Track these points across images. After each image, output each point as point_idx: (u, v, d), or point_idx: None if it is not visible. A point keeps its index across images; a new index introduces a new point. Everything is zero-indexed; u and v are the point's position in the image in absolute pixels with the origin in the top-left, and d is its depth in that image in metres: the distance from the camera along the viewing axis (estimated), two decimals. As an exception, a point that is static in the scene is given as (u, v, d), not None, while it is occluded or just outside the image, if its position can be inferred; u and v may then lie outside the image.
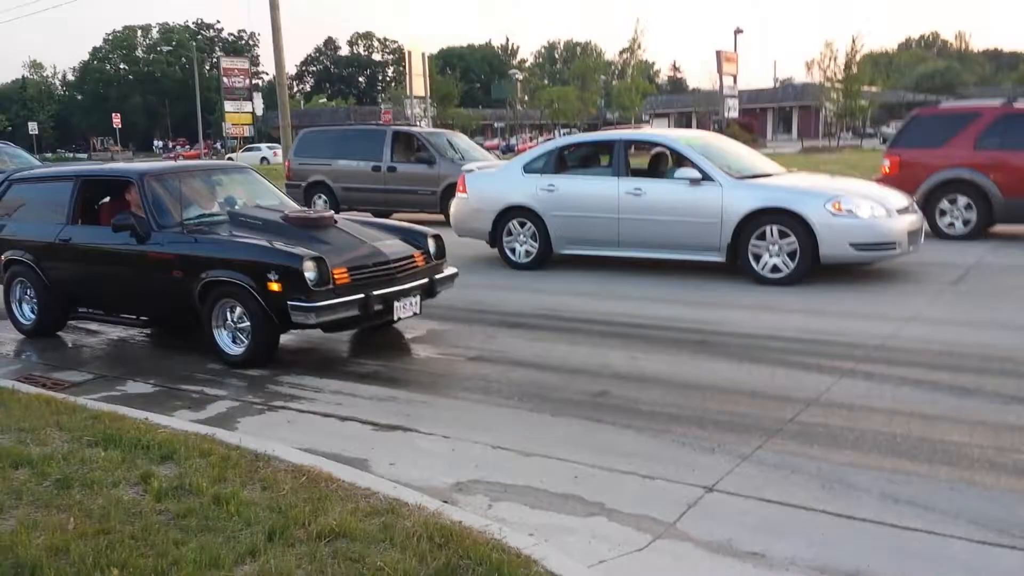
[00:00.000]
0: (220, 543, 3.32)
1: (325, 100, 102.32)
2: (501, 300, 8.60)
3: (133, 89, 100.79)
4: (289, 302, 6.00)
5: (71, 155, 79.82)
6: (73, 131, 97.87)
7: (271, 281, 6.04)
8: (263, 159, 53.33)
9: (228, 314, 6.44)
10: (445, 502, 3.86)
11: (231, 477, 3.98)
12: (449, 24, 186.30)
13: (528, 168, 10.42)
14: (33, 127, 72.19)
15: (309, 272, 5.98)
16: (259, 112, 54.87)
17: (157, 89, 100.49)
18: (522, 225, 10.30)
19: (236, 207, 7.19)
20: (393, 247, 6.79)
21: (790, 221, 8.53)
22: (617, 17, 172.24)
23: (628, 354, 6.48)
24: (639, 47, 54.48)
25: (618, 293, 8.84)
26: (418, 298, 6.75)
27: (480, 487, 4.18)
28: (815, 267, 8.61)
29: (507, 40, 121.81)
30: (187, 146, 77.73)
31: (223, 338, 6.50)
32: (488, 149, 25.75)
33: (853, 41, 44.36)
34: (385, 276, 6.50)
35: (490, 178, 10.88)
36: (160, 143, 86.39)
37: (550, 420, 5.14)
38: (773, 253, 8.66)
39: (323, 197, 16.16)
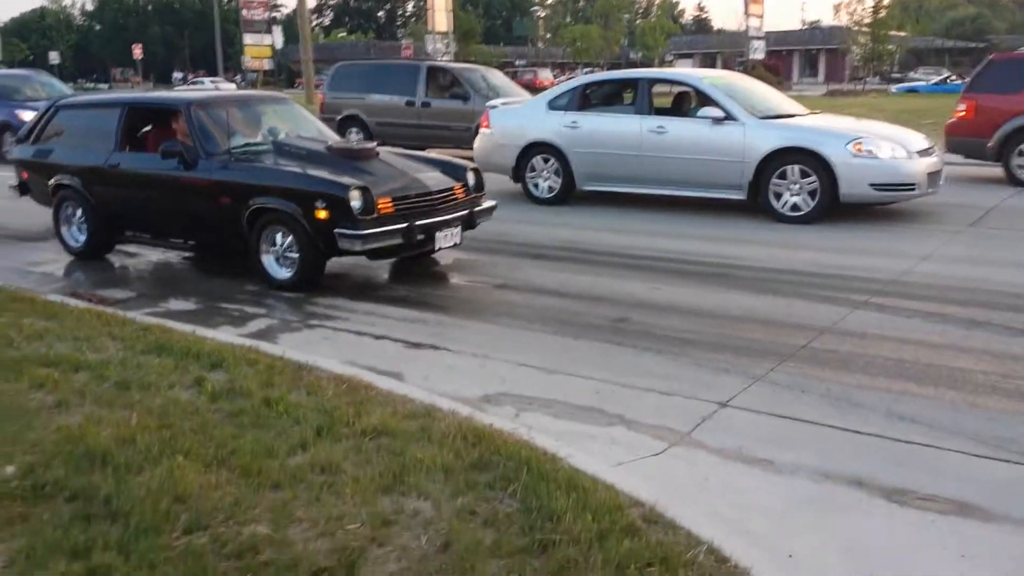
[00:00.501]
0: (272, 437, 3.62)
1: (344, 34, 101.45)
2: (524, 233, 8.82)
3: (152, 19, 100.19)
4: (336, 230, 6.20)
5: (92, 85, 79.80)
6: (93, 61, 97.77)
7: (318, 209, 6.24)
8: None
9: (275, 240, 6.63)
10: (476, 410, 4.15)
11: (278, 383, 4.27)
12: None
13: (552, 105, 10.55)
14: (55, 56, 71.96)
15: (355, 201, 6.16)
16: (278, 46, 54.44)
17: (176, 19, 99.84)
18: (545, 161, 10.46)
19: (280, 137, 7.38)
20: (434, 179, 6.95)
21: (811, 161, 8.67)
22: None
23: (648, 285, 6.71)
24: (666, -14, 53.56)
25: (639, 228, 9.05)
26: (459, 229, 6.94)
27: (507, 399, 4.46)
28: (835, 206, 8.77)
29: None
30: (206, 77, 77.49)
31: (270, 263, 6.70)
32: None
33: (882, -17, 43.51)
34: (427, 207, 6.68)
35: (514, 114, 11.02)
36: (179, 74, 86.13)
37: (572, 343, 5.40)
38: (794, 192, 8.82)
39: (357, 131, 16.22)
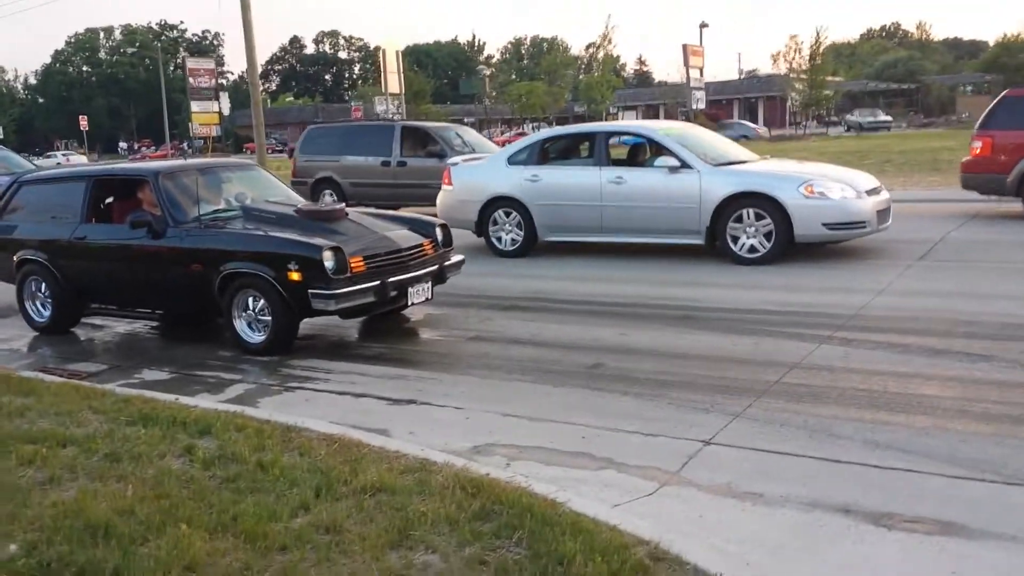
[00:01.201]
0: (272, 500, 3.65)
1: (292, 98, 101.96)
2: (492, 285, 8.95)
3: (96, 91, 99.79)
4: (310, 290, 6.27)
5: (34, 159, 78.77)
6: (36, 134, 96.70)
7: (291, 271, 6.32)
8: (58, 165, 52.47)
9: (248, 304, 6.67)
10: (469, 461, 4.21)
11: (269, 446, 4.30)
12: (415, 21, 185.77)
13: (512, 160, 10.79)
14: (-3, 131, 71.23)
15: (328, 261, 6.24)
16: (226, 112, 54.49)
17: (121, 91, 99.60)
18: (507, 215, 10.65)
19: (247, 202, 7.45)
20: (404, 236, 7.08)
21: (766, 204, 8.97)
22: (581, 12, 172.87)
23: (617, 330, 6.86)
24: (609, 43, 54.93)
25: (602, 276, 9.24)
26: (430, 284, 7.06)
27: (497, 449, 4.54)
28: (790, 247, 9.05)
29: (473, 37, 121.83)
30: (153, 147, 77.14)
31: (243, 327, 6.73)
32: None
33: (817, 34, 45.14)
34: (398, 264, 6.79)
35: (475, 170, 11.23)
36: (125, 145, 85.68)
37: (552, 390, 5.51)
38: (750, 235, 9.10)
39: (331, 193, 16.09)
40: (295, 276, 6.32)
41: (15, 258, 7.88)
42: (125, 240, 7.15)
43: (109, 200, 7.93)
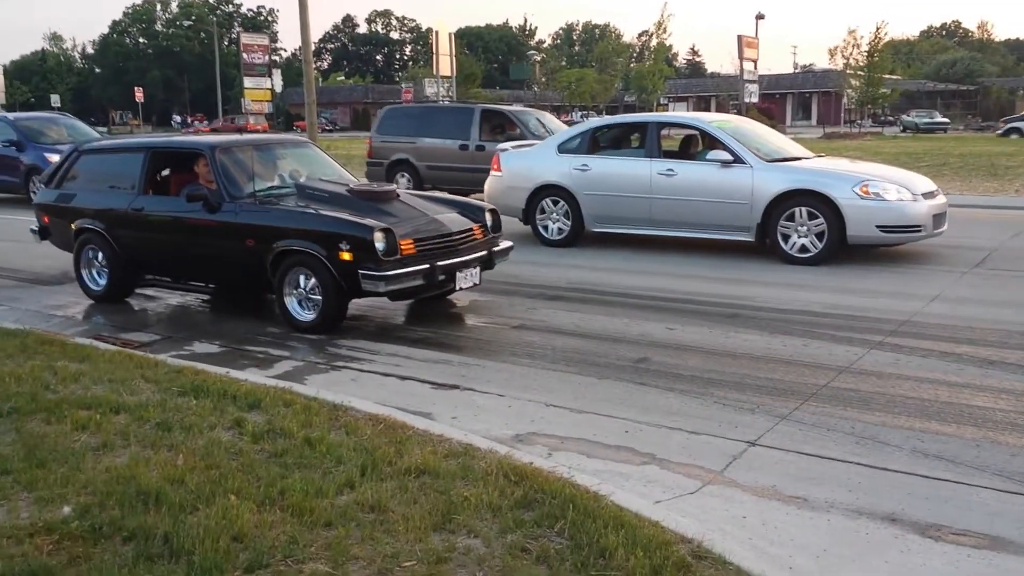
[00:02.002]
0: (319, 477, 3.71)
1: (343, 78, 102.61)
2: (537, 274, 8.95)
3: (152, 63, 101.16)
4: (360, 271, 6.32)
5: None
6: (92, 104, 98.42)
7: (343, 251, 6.36)
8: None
9: (299, 282, 6.72)
10: (512, 449, 4.24)
11: (316, 423, 4.36)
12: (467, 3, 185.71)
13: (562, 148, 10.76)
14: (55, 99, 72.65)
15: (379, 242, 6.28)
16: (278, 89, 54.96)
17: (176, 63, 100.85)
18: (555, 203, 10.64)
19: (301, 179, 7.51)
20: (453, 220, 7.10)
21: (819, 203, 8.85)
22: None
23: (663, 325, 6.83)
24: (664, 31, 54.32)
25: (649, 269, 9.20)
26: (478, 269, 7.07)
27: (538, 439, 4.56)
28: (842, 248, 8.93)
29: (525, 21, 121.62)
30: (205, 121, 78.15)
31: (293, 305, 6.79)
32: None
33: (876, 29, 44.21)
34: (447, 247, 6.81)
35: (524, 157, 11.21)
36: (179, 118, 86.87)
37: (596, 382, 5.50)
38: (802, 234, 8.98)
39: (406, 176, 15.87)
40: (346, 256, 6.36)
41: (73, 226, 8.02)
42: (181, 213, 7.24)
43: (166, 172, 8.05)
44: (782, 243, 9.11)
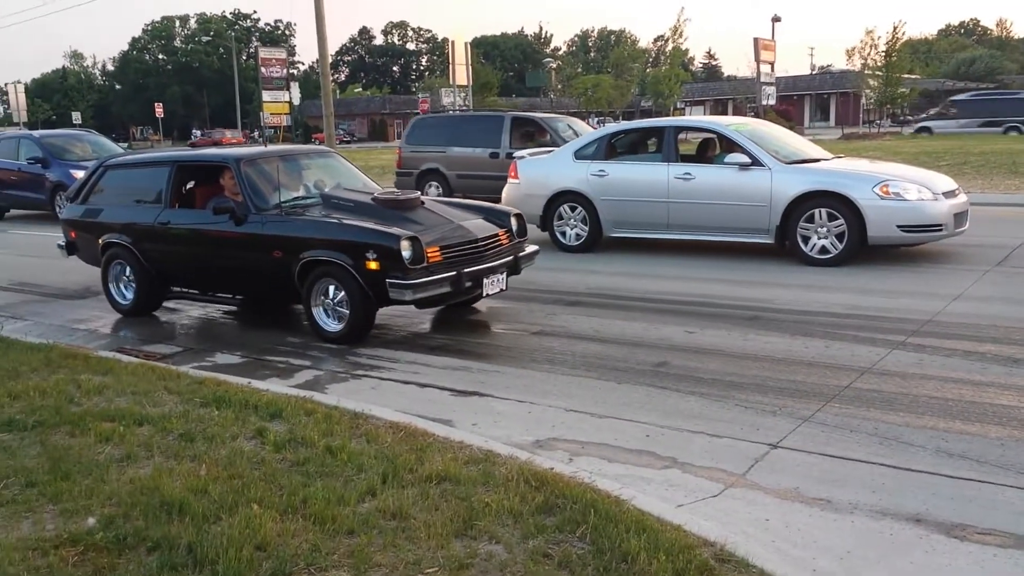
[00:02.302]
0: (340, 485, 3.72)
1: (360, 89, 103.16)
2: (556, 280, 8.95)
3: (171, 79, 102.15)
4: (387, 280, 6.31)
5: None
6: (113, 120, 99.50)
7: (369, 260, 6.36)
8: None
9: (327, 292, 6.73)
10: (532, 455, 4.23)
11: (337, 432, 4.38)
12: (482, 13, 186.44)
13: (579, 154, 10.76)
14: (76, 117, 73.52)
15: (405, 251, 6.27)
16: (296, 102, 55.33)
17: (195, 79, 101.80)
18: (572, 209, 10.64)
19: (326, 189, 7.51)
20: (479, 226, 7.06)
21: (839, 204, 8.80)
22: (651, 2, 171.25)
23: (683, 329, 6.80)
24: (680, 36, 54.25)
25: (668, 273, 9.18)
26: (505, 275, 7.05)
27: (559, 444, 4.55)
28: (862, 249, 8.87)
29: (540, 28, 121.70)
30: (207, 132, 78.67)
31: (321, 315, 6.80)
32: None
33: (894, 29, 43.93)
34: (474, 254, 6.79)
35: (542, 164, 11.22)
36: (198, 132, 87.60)
37: (616, 387, 5.49)
38: (821, 235, 8.93)
39: (436, 185, 15.88)
40: (373, 265, 6.36)
41: (100, 241, 8.07)
42: (207, 226, 7.25)
43: (191, 185, 8.07)
44: (802, 245, 9.06)
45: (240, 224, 7.03)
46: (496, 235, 7.10)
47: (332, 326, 6.78)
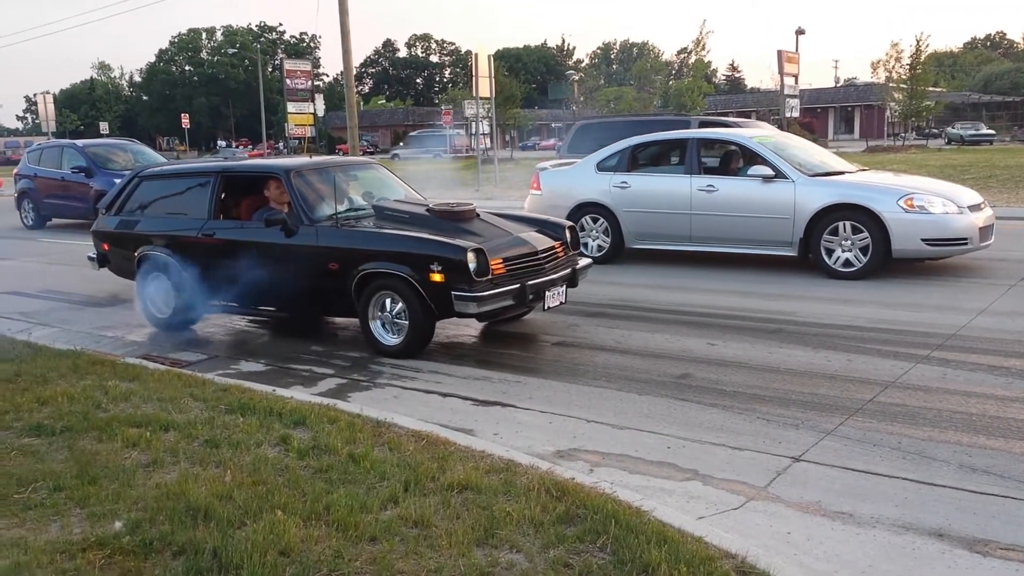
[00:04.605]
0: (363, 492, 3.75)
1: (384, 101, 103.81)
2: (578, 291, 8.84)
3: (197, 90, 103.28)
4: (452, 292, 6.19)
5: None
6: (139, 131, 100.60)
7: (433, 272, 6.23)
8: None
9: (385, 305, 6.61)
10: (554, 465, 4.25)
11: (360, 440, 4.42)
12: (506, 25, 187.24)
13: (601, 166, 10.79)
14: (104, 127, 74.51)
15: (471, 263, 6.17)
16: (320, 113, 55.78)
17: (221, 90, 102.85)
18: (595, 221, 10.67)
19: (376, 201, 7.40)
20: (537, 238, 6.93)
21: (863, 217, 8.77)
22: (672, 15, 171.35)
23: (705, 341, 6.80)
24: (703, 48, 54.20)
25: (690, 285, 9.17)
26: (564, 288, 6.95)
27: (580, 454, 4.56)
28: (887, 262, 8.82)
29: (563, 41, 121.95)
30: (250, 146, 79.47)
31: (378, 329, 6.68)
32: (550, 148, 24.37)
33: (918, 42, 43.69)
34: (535, 266, 6.68)
35: (564, 176, 11.26)
36: (223, 143, 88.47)
37: (637, 399, 5.49)
38: (846, 248, 8.91)
39: None
40: (437, 277, 6.24)
41: (137, 253, 7.90)
42: (257, 237, 7.14)
43: (236, 196, 7.84)
44: (825, 258, 9.03)
45: (291, 236, 6.94)
46: (554, 247, 6.98)
47: (389, 340, 6.66)
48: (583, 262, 7.33)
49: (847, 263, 8.92)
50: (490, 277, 6.29)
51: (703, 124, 13.88)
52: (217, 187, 7.61)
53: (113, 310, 9.01)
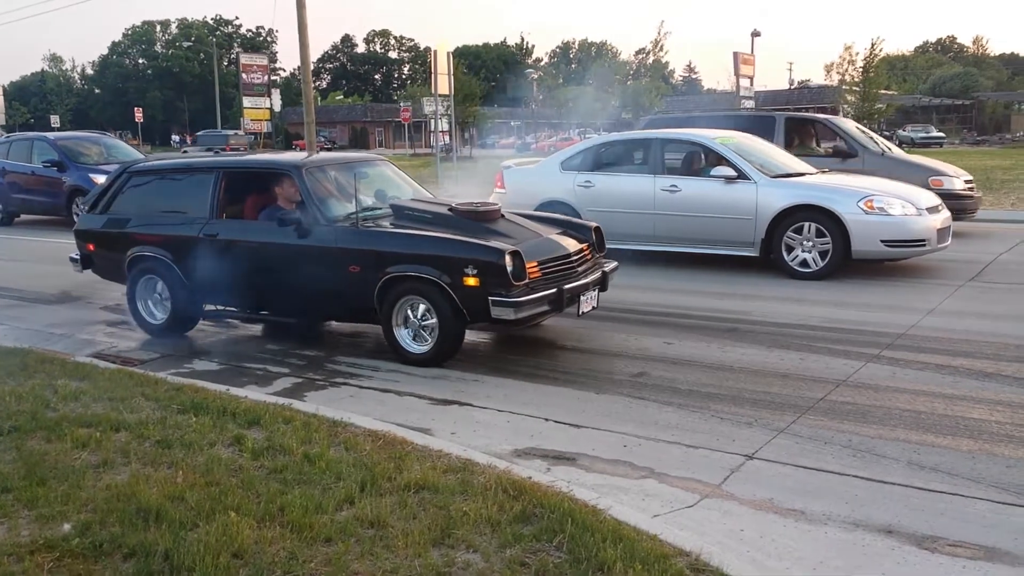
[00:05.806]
0: (318, 493, 3.73)
1: (342, 97, 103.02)
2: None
3: (151, 84, 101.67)
4: (490, 297, 5.83)
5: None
6: (91, 124, 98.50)
7: (468, 276, 5.87)
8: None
9: (413, 310, 6.25)
10: (511, 464, 4.26)
11: (315, 439, 4.38)
12: (465, 23, 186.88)
13: (565, 165, 10.82)
14: (55, 120, 72.94)
15: (509, 266, 5.82)
16: (276, 108, 55.22)
17: (175, 84, 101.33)
18: (556, 220, 10.68)
19: (392, 199, 6.99)
20: (566, 240, 6.64)
21: (823, 218, 8.91)
22: (630, 16, 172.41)
23: (662, 340, 6.85)
24: (661, 49, 54.68)
25: (650, 285, 9.21)
26: (596, 292, 6.64)
27: (537, 453, 4.58)
28: (846, 263, 8.97)
29: (522, 39, 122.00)
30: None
31: (403, 336, 6.31)
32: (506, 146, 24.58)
33: (872, 45, 44.41)
34: (568, 269, 6.39)
35: (528, 174, 11.27)
36: (178, 138, 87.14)
37: (595, 397, 5.52)
38: (806, 249, 9.05)
39: None
40: (472, 281, 5.87)
41: (128, 255, 7.34)
42: (267, 238, 6.69)
43: (238, 193, 7.23)
44: (786, 258, 9.15)
45: (305, 236, 6.49)
46: (583, 249, 6.72)
47: (415, 347, 6.29)
48: (610, 265, 7.05)
49: (807, 263, 9.06)
50: (527, 281, 5.97)
51: (789, 119, 13.25)
52: (219, 184, 7.06)
53: (65, 308, 8.84)
